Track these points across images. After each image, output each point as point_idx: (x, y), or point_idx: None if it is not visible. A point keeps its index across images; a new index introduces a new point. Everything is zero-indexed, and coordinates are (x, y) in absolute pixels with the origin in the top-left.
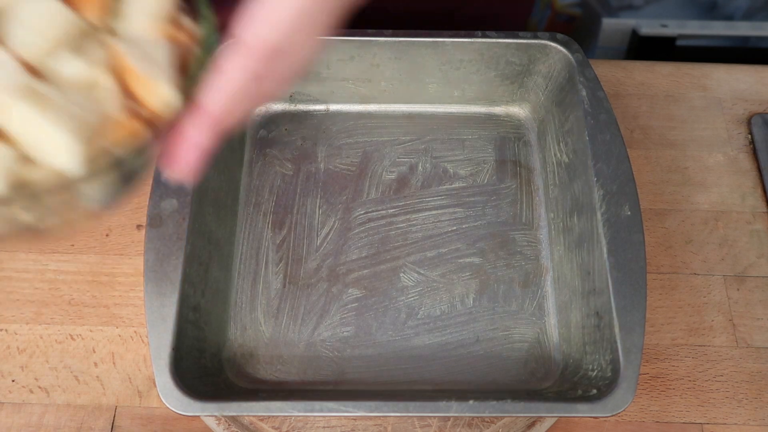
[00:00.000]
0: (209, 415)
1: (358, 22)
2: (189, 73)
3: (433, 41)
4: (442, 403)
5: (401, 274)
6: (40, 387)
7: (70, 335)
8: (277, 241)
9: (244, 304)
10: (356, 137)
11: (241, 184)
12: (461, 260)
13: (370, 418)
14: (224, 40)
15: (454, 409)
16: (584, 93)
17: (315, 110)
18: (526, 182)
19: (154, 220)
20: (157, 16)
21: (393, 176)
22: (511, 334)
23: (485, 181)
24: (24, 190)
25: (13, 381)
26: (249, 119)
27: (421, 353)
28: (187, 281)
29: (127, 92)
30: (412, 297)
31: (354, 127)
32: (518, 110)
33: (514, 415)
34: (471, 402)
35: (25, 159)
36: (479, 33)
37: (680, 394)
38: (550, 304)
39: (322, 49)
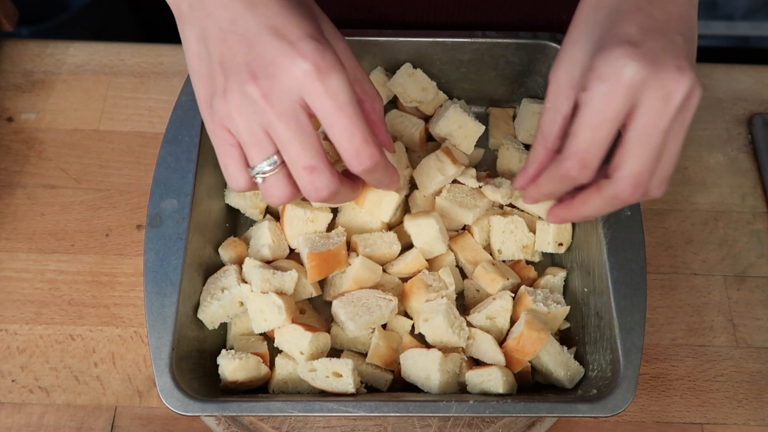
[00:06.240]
0: (209, 415)
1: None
2: None
3: (433, 41)
4: (442, 404)
5: None
6: (40, 387)
7: (70, 335)
8: None
9: None
10: None
11: None
12: None
13: (370, 418)
14: None
15: (454, 409)
16: None
17: None
18: None
19: (154, 220)
20: None
21: None
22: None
23: None
24: None
25: (13, 381)
26: None
27: None
28: (187, 281)
29: None
30: None
31: None
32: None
33: (514, 415)
34: (471, 402)
35: None
36: (479, 33)
37: (680, 394)
38: None
39: None
